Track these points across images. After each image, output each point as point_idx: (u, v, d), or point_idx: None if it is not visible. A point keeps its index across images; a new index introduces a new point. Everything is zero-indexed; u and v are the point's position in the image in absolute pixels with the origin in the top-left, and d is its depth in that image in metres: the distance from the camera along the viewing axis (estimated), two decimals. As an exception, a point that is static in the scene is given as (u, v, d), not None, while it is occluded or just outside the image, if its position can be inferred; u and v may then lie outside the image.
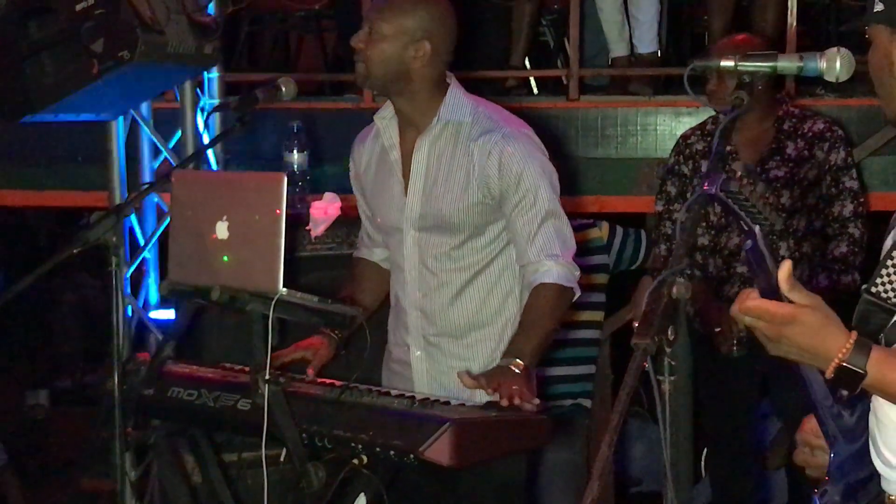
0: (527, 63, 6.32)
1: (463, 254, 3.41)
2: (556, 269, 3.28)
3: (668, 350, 2.13)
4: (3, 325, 8.18)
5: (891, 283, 2.16)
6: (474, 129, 3.37)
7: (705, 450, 5.30)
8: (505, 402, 3.02)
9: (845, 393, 2.26)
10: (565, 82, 5.93)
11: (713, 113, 4.72)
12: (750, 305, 2.01)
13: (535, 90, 6.25)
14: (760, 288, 2.03)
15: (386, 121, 3.50)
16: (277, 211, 3.01)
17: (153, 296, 5.24)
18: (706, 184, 2.09)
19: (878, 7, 2.16)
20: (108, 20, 3.98)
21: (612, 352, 5.32)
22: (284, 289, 3.01)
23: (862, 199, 4.54)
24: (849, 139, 4.64)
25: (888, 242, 2.25)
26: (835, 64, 2.26)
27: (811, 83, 5.61)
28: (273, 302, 3.00)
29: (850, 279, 4.45)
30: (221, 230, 3.11)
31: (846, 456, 2.29)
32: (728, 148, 4.55)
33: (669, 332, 2.11)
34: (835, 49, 2.27)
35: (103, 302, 8.46)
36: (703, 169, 4.60)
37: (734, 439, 4.81)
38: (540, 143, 3.39)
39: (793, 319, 1.99)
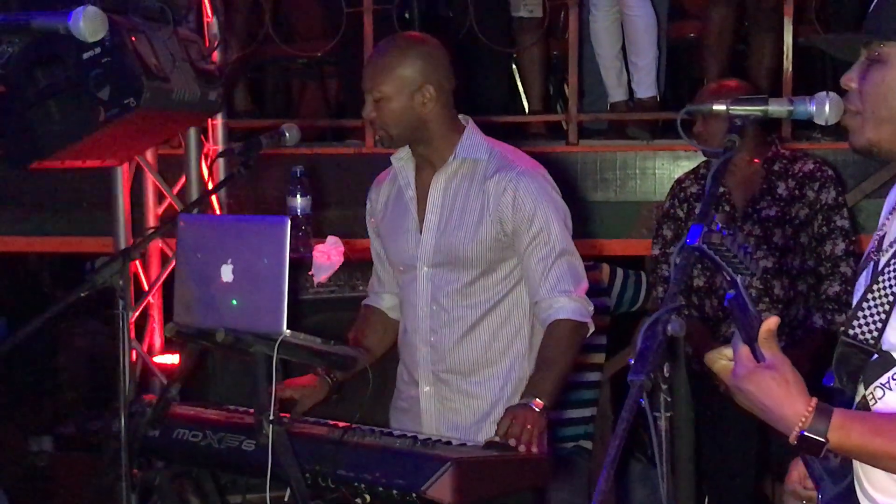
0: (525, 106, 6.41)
1: (475, 290, 3.46)
2: (570, 304, 3.34)
3: (663, 387, 2.17)
4: (6, 370, 8.20)
5: (867, 324, 2.20)
6: (490, 166, 3.44)
7: (706, 498, 5.31)
8: (513, 443, 3.07)
9: None
10: (565, 127, 6.02)
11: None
12: (709, 358, 2.08)
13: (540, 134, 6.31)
14: (742, 336, 2.08)
15: (402, 162, 3.57)
16: (282, 254, 3.06)
17: (157, 340, 5.29)
18: (688, 237, 2.13)
19: None
20: (115, 68, 4.04)
21: (612, 394, 5.35)
22: (288, 331, 3.06)
23: (854, 238, 4.60)
24: (840, 179, 4.71)
25: (860, 286, 2.29)
26: (824, 107, 2.30)
27: (807, 127, 5.68)
28: (277, 344, 3.05)
29: (843, 318, 4.49)
30: (226, 273, 3.16)
31: (833, 496, 2.31)
32: (721, 189, 4.63)
33: (665, 369, 2.15)
34: (824, 93, 2.31)
35: (107, 347, 8.50)
36: (697, 211, 4.67)
37: (732, 478, 4.83)
38: (553, 183, 3.47)
39: (748, 378, 2.05)
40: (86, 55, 4.05)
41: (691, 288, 4.68)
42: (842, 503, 2.30)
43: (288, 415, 3.22)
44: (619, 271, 5.12)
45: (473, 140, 3.49)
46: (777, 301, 4.54)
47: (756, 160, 4.61)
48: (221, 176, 5.08)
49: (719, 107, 2.38)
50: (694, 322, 4.62)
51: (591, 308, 3.41)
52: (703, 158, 4.92)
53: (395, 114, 3.41)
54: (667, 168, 5.65)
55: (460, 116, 3.53)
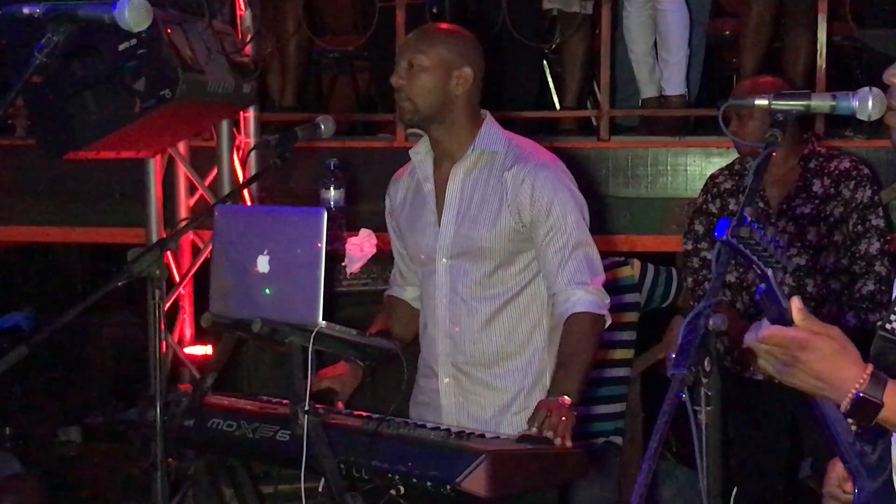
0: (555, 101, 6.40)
1: (493, 282, 3.47)
2: (587, 297, 3.35)
3: (704, 381, 2.16)
4: (35, 361, 8.24)
5: None
6: (508, 158, 3.45)
7: (734, 490, 5.30)
8: (551, 435, 3.07)
9: (853, 427, 2.27)
10: (595, 123, 6.01)
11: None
12: (766, 334, 2.02)
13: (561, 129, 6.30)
14: (773, 321, 2.06)
15: (421, 156, 3.58)
16: (318, 245, 3.07)
17: (188, 331, 5.31)
18: (717, 230, 2.12)
19: None
20: (150, 60, 4.07)
21: (642, 390, 5.34)
22: (324, 322, 3.07)
23: (889, 238, 4.57)
24: (875, 178, 4.68)
25: None
26: (867, 103, 2.29)
27: (841, 125, 5.66)
28: (313, 335, 3.06)
29: (878, 317, 4.47)
30: (262, 264, 3.17)
31: (870, 492, 2.30)
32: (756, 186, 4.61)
33: (706, 363, 2.15)
34: (867, 88, 2.30)
35: (135, 339, 8.53)
36: (731, 207, 4.67)
37: (765, 477, 4.82)
38: (571, 176, 3.48)
39: (808, 344, 2.01)
40: (122, 47, 4.08)
41: (723, 283, 4.66)
42: (879, 499, 2.29)
43: (322, 406, 3.23)
44: (651, 267, 5.11)
45: (492, 133, 3.50)
46: (810, 299, 4.53)
47: (792, 157, 4.59)
48: (252, 168, 5.10)
49: (761, 101, 2.38)
50: (732, 317, 4.61)
51: (608, 300, 3.41)
52: (735, 155, 4.91)
53: (427, 86, 3.42)
54: (698, 164, 5.63)
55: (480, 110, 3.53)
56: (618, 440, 4.93)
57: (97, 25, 2.69)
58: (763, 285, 2.06)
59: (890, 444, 2.26)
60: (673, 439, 6.15)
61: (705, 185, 4.84)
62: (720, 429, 5.34)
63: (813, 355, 2.00)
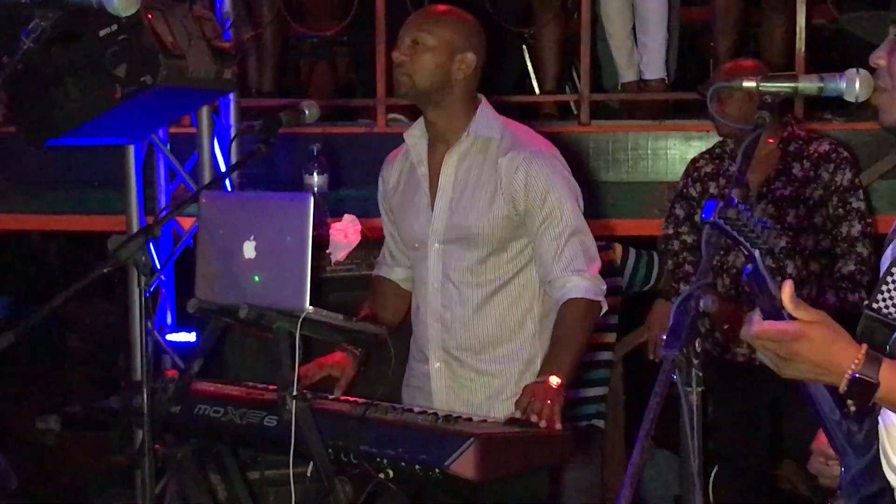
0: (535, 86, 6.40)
1: (485, 269, 3.47)
2: (583, 283, 3.36)
3: (695, 362, 2.18)
4: (13, 350, 8.20)
5: (891, 299, 2.21)
6: (503, 145, 3.45)
7: (713, 472, 5.33)
8: (535, 418, 3.08)
9: (852, 408, 2.29)
10: (574, 110, 6.01)
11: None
12: (759, 330, 2.04)
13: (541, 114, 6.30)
14: (764, 310, 2.07)
15: (415, 139, 3.57)
16: (305, 231, 3.07)
17: (169, 318, 5.30)
18: (704, 212, 2.14)
19: None
20: (131, 45, 4.04)
21: (624, 373, 5.36)
22: (311, 307, 3.07)
23: (870, 220, 4.61)
24: (855, 161, 4.71)
25: (886, 260, 2.30)
26: (854, 84, 2.31)
27: (819, 108, 5.69)
28: (300, 320, 3.06)
29: (856, 297, 4.51)
30: (249, 250, 3.17)
31: (857, 470, 2.32)
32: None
33: (696, 344, 2.17)
34: (854, 70, 2.32)
35: (113, 326, 8.49)
36: (712, 190, 4.70)
37: (745, 459, 4.85)
38: (565, 163, 3.48)
39: (802, 335, 2.03)
40: (102, 32, 4.05)
41: (712, 266, 4.69)
42: (867, 477, 2.31)
43: (309, 391, 3.23)
44: (632, 251, 5.13)
45: (487, 118, 3.50)
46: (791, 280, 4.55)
47: (772, 140, 4.61)
48: (232, 155, 5.08)
49: (749, 83, 2.39)
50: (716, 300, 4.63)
51: (605, 287, 3.43)
52: (715, 139, 4.93)
53: (429, 66, 3.42)
54: (678, 148, 5.65)
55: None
56: (600, 423, 4.95)
57: (77, 11, 2.67)
58: (749, 266, 2.07)
59: (877, 422, 2.28)
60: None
61: (686, 168, 4.87)
62: (700, 410, 5.36)
63: (808, 345, 2.03)
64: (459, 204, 3.47)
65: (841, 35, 6.26)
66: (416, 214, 3.55)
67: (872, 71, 2.31)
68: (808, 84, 2.35)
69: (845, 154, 4.62)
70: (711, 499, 5.44)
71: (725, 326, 4.54)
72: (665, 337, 2.13)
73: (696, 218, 4.75)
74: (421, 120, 3.56)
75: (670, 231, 4.82)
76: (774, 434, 4.90)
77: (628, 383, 5.41)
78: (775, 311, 2.03)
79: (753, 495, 4.89)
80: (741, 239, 2.08)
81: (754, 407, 4.73)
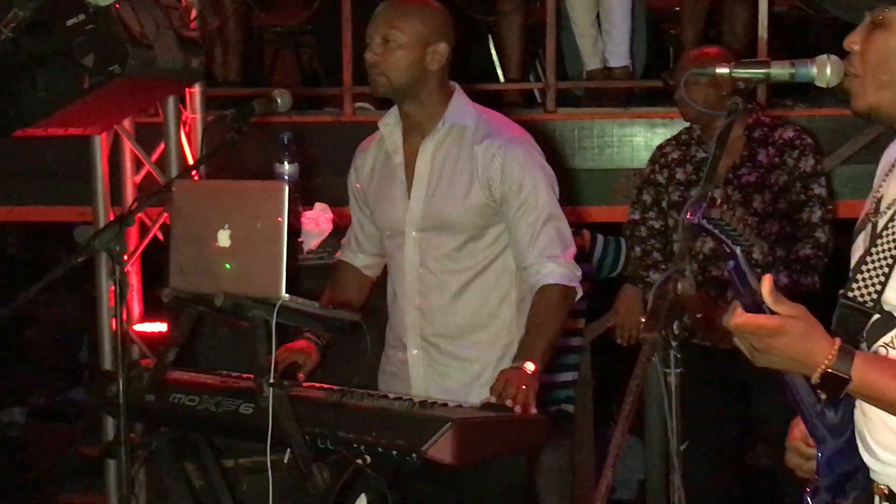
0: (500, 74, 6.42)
1: (463, 256, 3.49)
2: (559, 269, 3.39)
3: (673, 344, 2.22)
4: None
5: (866, 287, 2.25)
6: (478, 132, 3.47)
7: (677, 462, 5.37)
8: (509, 403, 3.11)
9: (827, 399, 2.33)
10: (539, 98, 6.03)
11: (687, 124, 4.85)
12: (739, 322, 2.06)
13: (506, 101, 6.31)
14: (745, 304, 2.10)
15: (390, 127, 3.59)
16: (279, 219, 3.08)
17: (136, 309, 5.28)
18: (689, 213, 2.17)
19: None
20: (99, 35, 4.03)
21: (592, 359, 5.41)
22: (287, 295, 3.08)
23: (830, 206, 4.67)
24: (818, 147, 4.77)
25: (857, 248, 2.34)
26: (825, 69, 2.34)
27: (781, 95, 5.74)
28: (276, 308, 3.07)
29: (809, 281, 4.57)
30: (223, 238, 3.18)
31: (833, 451, 2.36)
32: (703, 155, 4.70)
33: (675, 327, 2.20)
34: (825, 56, 2.35)
35: (76, 318, 8.43)
36: (678, 176, 4.75)
37: (713, 441, 4.90)
38: (539, 150, 3.51)
39: (780, 330, 2.05)
40: (70, 22, 4.03)
41: (672, 252, 4.75)
42: (842, 457, 2.35)
43: (287, 380, 3.24)
44: (600, 237, 5.17)
45: (461, 106, 3.52)
46: (756, 266, 4.60)
47: (737, 127, 4.66)
48: (198, 144, 5.06)
49: (723, 70, 2.41)
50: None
51: (580, 272, 3.46)
52: (680, 125, 4.98)
53: (404, 63, 3.43)
54: (644, 135, 5.69)
55: (449, 82, 3.55)
56: (569, 408, 4.99)
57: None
58: (732, 262, 2.11)
59: (852, 406, 2.32)
60: (615, 406, 6.24)
61: (653, 155, 4.91)
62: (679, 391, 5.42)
63: (785, 339, 2.05)
64: (436, 192, 3.49)
65: (803, 23, 6.33)
66: (392, 203, 3.56)
67: (842, 56, 2.34)
68: (780, 70, 2.37)
69: (809, 140, 4.68)
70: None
71: (698, 315, 4.58)
72: (644, 320, 2.15)
73: (663, 204, 4.80)
74: (395, 108, 3.57)
75: (637, 217, 4.87)
76: (743, 418, 4.95)
77: (597, 368, 5.45)
78: (756, 305, 2.06)
79: (721, 477, 4.94)
80: (724, 238, 2.12)
81: (722, 390, 4.78)
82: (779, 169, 4.62)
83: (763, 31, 5.65)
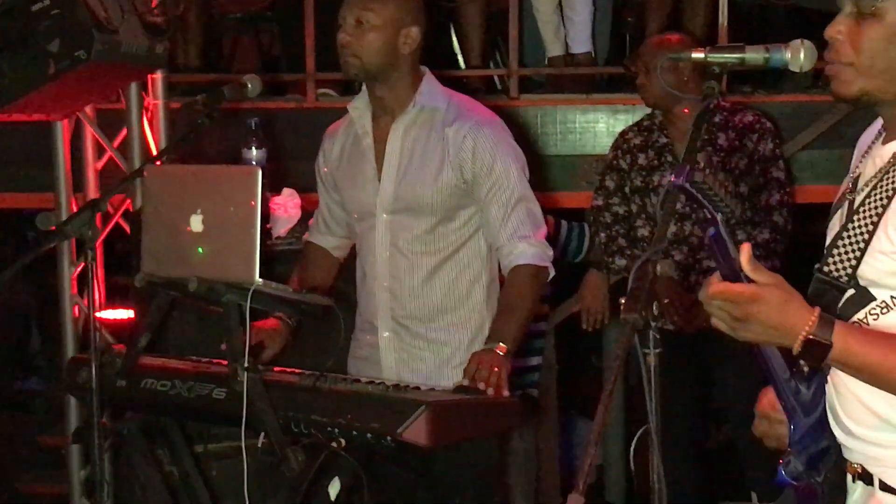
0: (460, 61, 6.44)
1: (434, 238, 3.52)
2: (530, 250, 3.43)
3: (652, 324, 2.25)
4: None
5: (841, 262, 2.29)
6: (448, 115, 3.50)
7: (635, 439, 5.41)
8: (482, 386, 3.14)
9: (805, 369, 2.37)
10: (498, 84, 6.05)
11: (649, 110, 4.89)
12: (716, 290, 2.08)
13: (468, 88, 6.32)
14: (723, 274, 2.12)
15: (359, 110, 3.60)
16: (253, 203, 3.08)
17: (98, 296, 5.24)
18: (673, 175, 2.19)
19: None
20: (64, 20, 4.00)
21: (557, 343, 5.44)
22: (261, 280, 3.09)
23: (788, 190, 4.73)
24: (777, 131, 4.82)
25: (833, 227, 2.38)
26: (799, 55, 2.38)
27: (741, 81, 5.80)
28: (250, 292, 3.07)
29: (769, 265, 4.60)
30: (196, 223, 3.17)
31: (806, 428, 2.40)
32: (664, 141, 4.74)
33: (654, 308, 2.23)
34: (798, 41, 2.39)
35: (26, 306, 8.34)
36: (640, 161, 4.79)
37: (675, 427, 4.94)
38: (510, 132, 3.53)
39: (758, 298, 2.06)
40: (35, 7, 4.01)
41: (636, 238, 4.79)
42: (815, 435, 2.39)
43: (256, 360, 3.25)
44: (563, 223, 5.21)
45: (432, 89, 3.54)
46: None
47: (687, 111, 4.69)
48: (161, 130, 5.05)
49: (698, 54, 2.45)
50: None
51: (551, 252, 3.50)
52: (642, 112, 5.02)
53: (376, 45, 3.44)
54: (606, 122, 5.73)
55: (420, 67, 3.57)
56: (534, 392, 5.02)
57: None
58: (713, 229, 2.13)
59: (824, 382, 2.36)
60: (580, 391, 6.29)
61: (615, 141, 4.95)
62: (623, 376, 5.47)
63: (763, 307, 2.06)
64: (407, 174, 3.50)
65: (762, 10, 6.39)
66: (362, 185, 3.57)
67: (817, 44, 2.37)
68: (755, 55, 2.42)
69: (768, 125, 4.73)
70: (632, 464, 5.57)
71: (665, 301, 4.62)
72: (624, 301, 2.18)
73: (627, 189, 4.84)
74: (364, 92, 3.58)
75: (600, 202, 4.90)
76: (706, 401, 5.00)
77: (561, 353, 5.49)
78: (734, 274, 2.08)
79: (681, 459, 4.99)
80: (706, 203, 2.14)
81: (685, 374, 4.82)
82: (739, 152, 4.67)
83: (723, 18, 5.70)
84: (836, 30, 2.24)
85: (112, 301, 5.19)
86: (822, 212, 4.53)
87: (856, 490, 2.34)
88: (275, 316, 3.55)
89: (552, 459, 5.39)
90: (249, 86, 3.52)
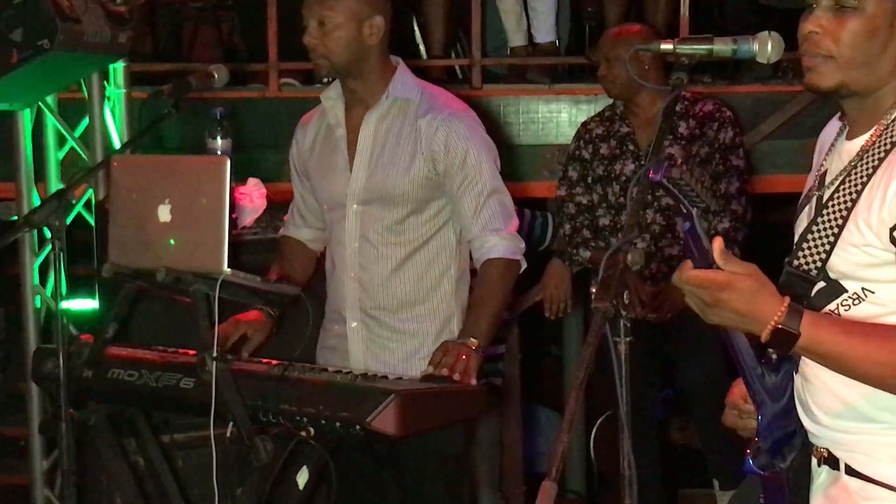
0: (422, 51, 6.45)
1: (404, 229, 3.52)
2: (502, 243, 3.44)
3: (623, 313, 2.27)
4: None
5: (811, 256, 2.32)
6: (421, 106, 3.50)
7: (596, 424, 5.46)
8: (445, 372, 3.16)
9: (774, 356, 2.41)
10: (459, 74, 6.05)
11: (611, 101, 4.92)
12: (687, 276, 2.12)
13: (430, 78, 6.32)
14: (697, 266, 2.16)
15: (332, 101, 3.60)
16: (221, 193, 3.08)
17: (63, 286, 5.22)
18: (651, 171, 2.21)
19: None
20: (27, 9, 3.99)
21: (520, 332, 5.47)
22: (229, 269, 3.09)
23: (747, 178, 4.78)
24: (738, 120, 4.87)
25: (802, 221, 2.42)
26: (766, 46, 2.41)
27: (701, 71, 5.84)
28: (219, 282, 3.08)
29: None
30: (164, 213, 3.17)
31: (773, 415, 2.44)
32: (626, 130, 4.78)
33: (625, 296, 2.26)
34: (766, 33, 2.42)
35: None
36: (602, 152, 4.82)
37: (636, 415, 4.98)
38: (482, 124, 3.54)
39: (728, 285, 2.10)
40: (-3, -4, 3.99)
41: (597, 227, 4.82)
42: (780, 421, 2.43)
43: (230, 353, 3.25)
44: (527, 212, 5.23)
45: (405, 80, 3.55)
46: (678, 238, 4.69)
47: (659, 101, 4.74)
48: (123, 120, 5.03)
49: (667, 46, 2.47)
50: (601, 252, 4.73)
51: (523, 245, 3.51)
52: (604, 102, 5.05)
53: (342, 42, 3.44)
54: (568, 112, 5.76)
55: (391, 57, 3.57)
56: (497, 381, 5.05)
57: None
58: (688, 224, 2.16)
59: (792, 370, 2.39)
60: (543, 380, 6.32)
61: (577, 131, 4.98)
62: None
63: (734, 294, 2.10)
64: (379, 164, 3.51)
65: (722, 1, 6.44)
66: (333, 175, 3.58)
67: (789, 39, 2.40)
68: (723, 46, 2.44)
69: (728, 113, 4.78)
70: (592, 454, 5.62)
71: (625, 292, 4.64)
72: (594, 290, 2.20)
73: (589, 179, 4.87)
74: (337, 83, 3.58)
75: (563, 193, 4.93)
76: (667, 390, 5.05)
77: (523, 342, 5.51)
78: (708, 267, 2.11)
79: (641, 449, 5.02)
80: (682, 198, 2.17)
81: (647, 363, 4.86)
82: (699, 140, 4.71)
83: (685, 9, 5.74)
84: (817, 23, 2.27)
85: (73, 291, 5.17)
86: (783, 201, 4.60)
87: (821, 474, 2.39)
88: (257, 308, 3.54)
89: (516, 447, 5.43)
90: (216, 76, 3.51)
